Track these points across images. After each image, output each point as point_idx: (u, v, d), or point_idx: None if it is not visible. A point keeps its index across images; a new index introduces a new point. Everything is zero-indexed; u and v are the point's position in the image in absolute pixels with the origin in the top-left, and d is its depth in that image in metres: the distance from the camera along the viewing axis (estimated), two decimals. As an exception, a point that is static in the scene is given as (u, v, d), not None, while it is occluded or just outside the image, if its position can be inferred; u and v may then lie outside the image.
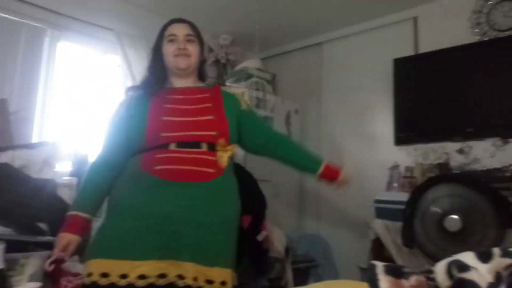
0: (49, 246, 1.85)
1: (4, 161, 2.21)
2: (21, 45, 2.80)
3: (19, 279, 1.63)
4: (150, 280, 1.37)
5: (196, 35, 1.74)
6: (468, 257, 0.81)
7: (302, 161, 1.88)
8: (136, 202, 1.49)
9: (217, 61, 3.93)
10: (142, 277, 1.37)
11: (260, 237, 2.46)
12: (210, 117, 1.61)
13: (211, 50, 3.96)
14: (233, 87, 1.76)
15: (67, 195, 2.22)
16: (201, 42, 1.76)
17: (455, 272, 0.75)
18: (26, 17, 2.83)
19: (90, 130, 3.06)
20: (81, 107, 3.12)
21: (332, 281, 1.82)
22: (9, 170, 2.05)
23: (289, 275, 2.75)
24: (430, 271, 0.82)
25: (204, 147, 1.56)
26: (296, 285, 2.77)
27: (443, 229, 2.33)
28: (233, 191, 1.65)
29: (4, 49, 2.72)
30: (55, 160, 2.46)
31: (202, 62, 1.81)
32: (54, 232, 1.91)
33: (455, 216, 2.29)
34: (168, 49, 1.70)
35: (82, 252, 1.67)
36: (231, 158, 1.65)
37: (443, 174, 2.64)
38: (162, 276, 1.39)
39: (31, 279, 1.67)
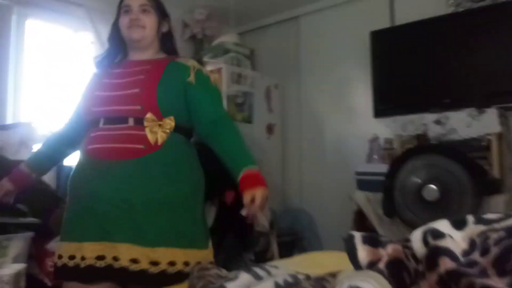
0: (31, 227, 1.83)
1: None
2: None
3: (3, 261, 1.61)
4: (89, 262, 1.38)
5: (154, 5, 1.63)
6: (443, 225, 0.83)
7: (229, 162, 1.61)
8: (76, 184, 1.53)
9: (193, 37, 3.86)
10: (83, 258, 1.40)
11: (244, 212, 2.47)
12: (135, 90, 1.50)
13: (186, 25, 3.87)
14: (190, 60, 1.63)
15: (46, 176, 2.18)
16: (161, 13, 1.66)
17: (430, 240, 0.77)
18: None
19: (65, 109, 2.98)
20: (55, 86, 3.03)
21: (315, 252, 1.83)
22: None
23: (274, 248, 2.79)
24: (407, 240, 0.84)
25: (131, 122, 1.49)
26: (281, 258, 2.83)
27: (421, 198, 2.39)
28: (175, 167, 1.52)
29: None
30: (32, 141, 2.40)
31: (165, 35, 1.71)
32: (35, 213, 1.89)
33: (432, 186, 2.34)
34: (123, 21, 1.62)
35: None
36: (173, 132, 1.53)
37: (420, 145, 2.68)
38: (100, 258, 1.39)
39: (15, 260, 1.65)
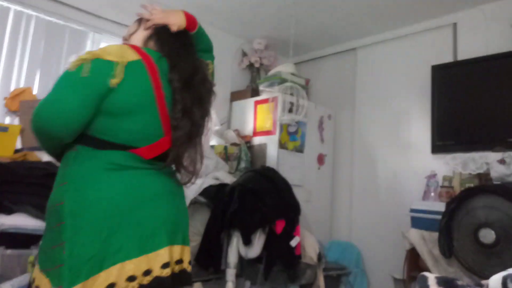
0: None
1: (47, 160, 2.29)
2: (64, 47, 2.91)
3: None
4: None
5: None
6: (524, 271, 0.78)
7: None
8: None
9: (251, 65, 3.96)
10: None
11: (293, 243, 2.46)
12: None
13: (245, 54, 3.99)
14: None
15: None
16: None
17: (511, 286, 0.73)
18: (70, 20, 2.94)
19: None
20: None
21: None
22: (53, 168, 2.11)
23: (321, 282, 2.73)
24: (481, 285, 0.80)
25: None
26: (327, 292, 2.76)
27: (478, 241, 2.28)
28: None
29: (49, 51, 2.83)
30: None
31: None
32: None
33: (489, 229, 2.23)
34: None
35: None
36: None
37: (480, 185, 2.56)
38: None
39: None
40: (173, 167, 1.43)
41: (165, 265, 1.26)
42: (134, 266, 1.20)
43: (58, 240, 1.21)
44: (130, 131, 1.28)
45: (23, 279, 1.71)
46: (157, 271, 1.24)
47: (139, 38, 1.49)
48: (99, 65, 1.23)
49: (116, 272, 1.18)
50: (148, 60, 1.32)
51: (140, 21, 1.54)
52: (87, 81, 1.21)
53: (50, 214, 1.27)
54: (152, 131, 1.32)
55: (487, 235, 2.25)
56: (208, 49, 1.60)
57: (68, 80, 1.23)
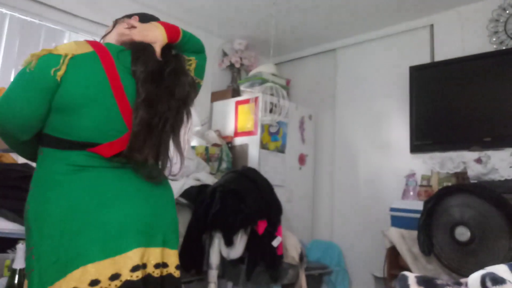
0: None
1: (23, 162, 2.24)
2: (40, 46, 2.85)
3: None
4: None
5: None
6: (501, 269, 0.80)
7: None
8: None
9: (231, 66, 3.95)
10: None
11: (275, 243, 2.46)
12: None
13: (225, 54, 3.98)
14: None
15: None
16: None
17: (489, 285, 0.74)
18: (45, 19, 2.88)
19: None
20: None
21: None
22: (30, 170, 2.07)
23: (303, 281, 2.74)
24: (460, 283, 0.81)
25: None
26: (308, 291, 2.77)
27: (454, 238, 2.32)
28: None
29: (24, 50, 2.76)
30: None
31: None
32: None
33: (463, 227, 2.28)
34: None
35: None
36: None
37: (457, 184, 2.61)
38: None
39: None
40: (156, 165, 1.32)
41: (134, 268, 1.19)
42: (96, 269, 1.14)
43: (29, 245, 1.21)
44: (85, 127, 1.22)
45: (-1, 284, 1.67)
46: (127, 275, 1.17)
47: (111, 39, 1.45)
48: (45, 59, 1.20)
49: (78, 276, 1.13)
50: (102, 52, 1.26)
51: (116, 21, 1.50)
52: (32, 76, 1.19)
53: (24, 219, 1.25)
54: (111, 126, 1.24)
55: (463, 233, 2.29)
56: (197, 50, 1.53)
57: (17, 77, 1.22)
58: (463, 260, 2.28)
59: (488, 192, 2.30)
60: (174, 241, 1.35)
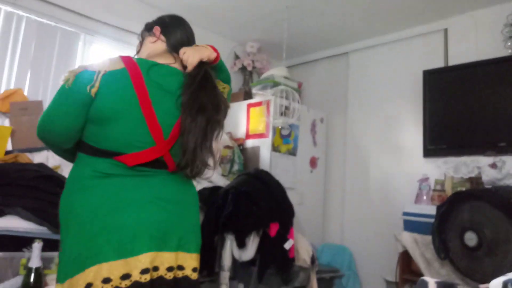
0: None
1: (39, 161, 2.26)
2: (56, 48, 2.88)
3: (54, 278, 1.65)
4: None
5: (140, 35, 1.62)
6: (524, 274, 0.79)
7: None
8: None
9: (243, 68, 3.96)
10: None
11: (287, 245, 2.45)
12: None
13: (237, 57, 3.99)
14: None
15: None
16: (146, 26, 1.63)
17: (512, 289, 0.73)
18: (61, 21, 2.91)
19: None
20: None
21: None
22: (45, 170, 2.09)
23: (314, 284, 2.72)
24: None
25: None
26: (319, 295, 2.75)
27: (463, 243, 2.31)
28: None
29: (40, 52, 2.79)
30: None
31: None
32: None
33: (470, 233, 2.26)
34: None
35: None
36: None
37: (469, 189, 2.59)
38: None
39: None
40: (181, 173, 1.43)
41: (144, 271, 1.28)
42: (109, 268, 1.24)
43: (60, 240, 1.35)
44: (113, 138, 1.33)
45: (15, 282, 1.68)
46: (136, 276, 1.26)
47: (143, 54, 1.54)
48: (81, 76, 1.33)
49: (93, 273, 1.23)
50: (133, 69, 1.37)
51: (142, 36, 1.59)
52: (70, 92, 1.32)
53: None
54: (137, 138, 1.35)
55: (471, 238, 2.28)
56: (227, 79, 1.63)
57: (58, 93, 1.35)
58: (475, 265, 2.25)
59: (498, 197, 2.28)
60: (192, 245, 1.42)
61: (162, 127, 1.37)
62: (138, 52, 1.59)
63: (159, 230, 1.33)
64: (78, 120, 1.33)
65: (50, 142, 1.40)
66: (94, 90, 1.31)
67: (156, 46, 1.53)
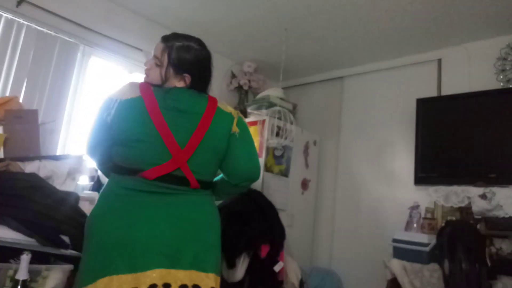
0: (71, 260, 1.84)
1: (30, 171, 2.23)
2: (54, 58, 2.86)
3: (40, 292, 1.62)
4: None
5: (165, 61, 1.57)
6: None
7: None
8: None
9: (239, 87, 3.99)
10: None
11: (277, 268, 2.44)
12: None
13: (234, 76, 4.02)
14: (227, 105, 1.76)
15: (88, 209, 2.22)
16: (176, 69, 1.57)
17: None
18: (61, 31, 2.91)
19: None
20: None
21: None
22: (36, 180, 2.06)
23: (301, 308, 2.70)
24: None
25: None
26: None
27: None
28: None
29: (38, 61, 2.78)
30: (79, 173, 2.48)
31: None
32: (76, 246, 1.91)
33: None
34: None
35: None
36: None
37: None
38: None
39: (52, 292, 1.66)
40: (202, 191, 1.55)
41: (151, 286, 1.31)
42: (119, 281, 1.30)
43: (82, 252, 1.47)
44: (136, 157, 1.47)
45: (0, 294, 1.64)
46: None
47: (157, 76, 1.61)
48: (104, 104, 1.53)
49: (104, 284, 1.30)
50: (148, 97, 1.50)
51: (168, 71, 1.58)
52: (98, 118, 1.54)
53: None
54: (157, 156, 1.46)
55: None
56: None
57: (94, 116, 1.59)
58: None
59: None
60: (208, 264, 1.44)
61: (179, 143, 1.47)
62: (147, 76, 1.63)
63: (171, 247, 1.38)
64: (103, 143, 1.55)
65: (90, 157, 1.67)
66: (109, 118, 1.49)
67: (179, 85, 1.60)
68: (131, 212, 1.39)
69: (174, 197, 1.46)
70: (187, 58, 1.58)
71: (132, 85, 1.55)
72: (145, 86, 1.54)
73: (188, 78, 1.59)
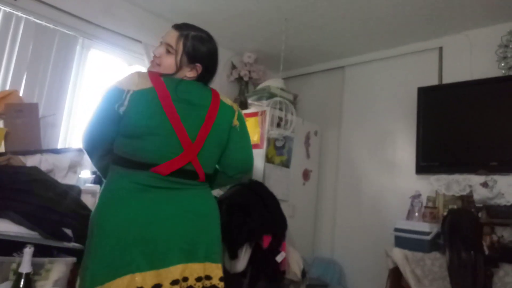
0: (74, 252, 1.86)
1: (32, 165, 2.24)
2: (54, 51, 2.86)
3: (44, 284, 1.63)
4: None
5: (180, 49, 1.55)
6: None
7: None
8: None
9: (239, 78, 3.97)
10: None
11: (279, 258, 2.45)
12: None
13: (234, 67, 4.01)
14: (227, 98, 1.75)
15: (90, 202, 2.23)
16: (189, 59, 1.57)
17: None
18: (60, 24, 2.89)
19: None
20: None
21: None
22: (38, 174, 2.07)
23: (303, 298, 2.72)
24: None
25: None
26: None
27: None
28: None
29: (37, 54, 2.78)
30: (80, 166, 2.48)
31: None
32: (78, 239, 1.92)
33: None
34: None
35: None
36: None
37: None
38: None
39: (55, 284, 1.67)
40: (206, 184, 1.58)
41: (174, 282, 1.36)
42: (142, 278, 1.32)
43: (87, 247, 1.43)
44: (149, 151, 1.44)
45: (4, 287, 1.65)
46: (167, 287, 1.34)
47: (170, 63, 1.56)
48: (111, 93, 1.46)
49: (126, 282, 1.31)
50: (160, 88, 1.47)
51: (182, 60, 1.56)
52: (102, 108, 1.48)
53: (89, 222, 1.48)
54: (170, 149, 1.45)
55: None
56: None
57: (95, 108, 1.52)
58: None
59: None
60: (217, 255, 1.52)
61: (190, 136, 1.47)
62: (159, 64, 1.57)
63: (188, 243, 1.42)
64: (108, 134, 1.49)
65: (87, 151, 1.57)
66: (122, 109, 1.42)
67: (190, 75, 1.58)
68: (149, 209, 1.40)
69: (186, 191, 1.48)
70: (201, 49, 1.59)
71: (141, 74, 1.50)
72: (155, 77, 1.50)
73: (199, 68, 1.59)
